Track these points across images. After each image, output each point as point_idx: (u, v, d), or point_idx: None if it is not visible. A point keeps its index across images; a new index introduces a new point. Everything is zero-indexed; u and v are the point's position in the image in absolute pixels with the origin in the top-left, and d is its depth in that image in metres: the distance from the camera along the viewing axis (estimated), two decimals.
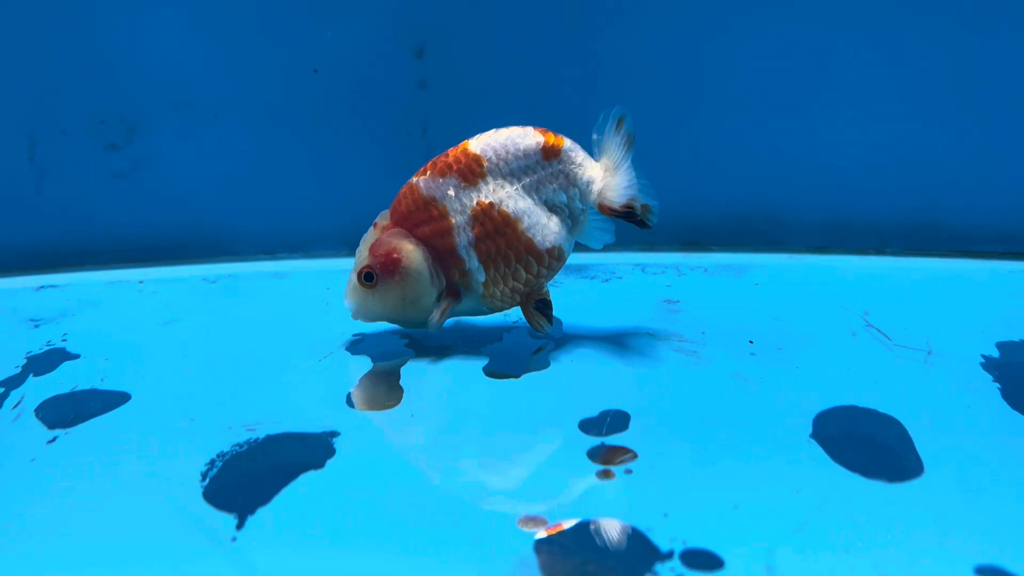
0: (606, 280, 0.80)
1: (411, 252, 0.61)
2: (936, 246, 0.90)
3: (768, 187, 0.91)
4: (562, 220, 0.63)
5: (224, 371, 0.61)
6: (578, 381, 0.56)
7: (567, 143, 0.63)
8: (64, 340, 0.66)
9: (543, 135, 0.63)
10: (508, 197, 0.62)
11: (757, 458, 0.45)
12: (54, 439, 0.50)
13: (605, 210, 0.64)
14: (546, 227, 0.63)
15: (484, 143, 0.62)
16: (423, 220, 0.61)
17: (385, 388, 0.56)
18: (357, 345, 0.63)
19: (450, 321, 0.65)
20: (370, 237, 0.63)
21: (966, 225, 0.90)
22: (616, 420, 0.50)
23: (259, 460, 0.47)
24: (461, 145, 0.62)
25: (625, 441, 0.47)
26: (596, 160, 0.65)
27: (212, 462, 0.46)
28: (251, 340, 0.66)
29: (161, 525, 0.41)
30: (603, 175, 0.64)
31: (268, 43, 0.85)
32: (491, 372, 0.58)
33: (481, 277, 0.62)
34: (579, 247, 0.67)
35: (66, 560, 0.39)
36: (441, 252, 0.62)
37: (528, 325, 0.65)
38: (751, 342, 0.61)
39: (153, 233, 0.89)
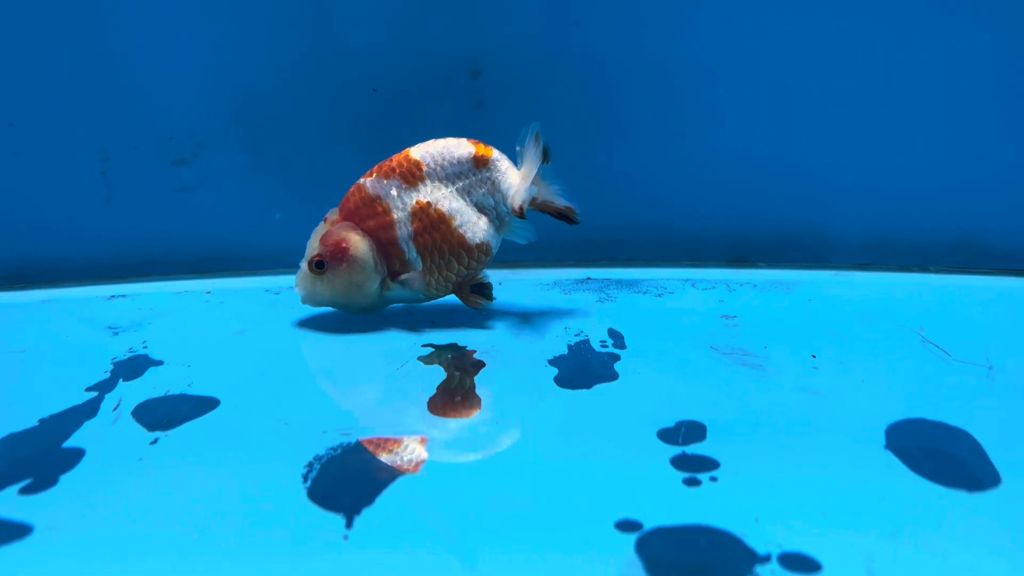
0: (659, 295, 0.82)
1: (358, 242, 0.70)
2: (980, 264, 0.91)
3: (813, 205, 0.93)
4: (490, 220, 0.73)
5: (305, 378, 0.63)
6: (649, 392, 0.58)
7: (495, 154, 0.73)
8: (145, 347, 0.69)
9: (475, 146, 0.73)
10: (443, 198, 0.71)
11: (836, 468, 0.47)
12: (155, 440, 0.52)
13: (514, 212, 0.73)
14: (476, 225, 0.72)
15: (424, 151, 0.72)
16: (369, 215, 0.71)
17: (463, 396, 0.58)
18: (430, 355, 0.66)
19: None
20: (320, 230, 0.72)
21: (1010, 243, 0.92)
22: (692, 430, 0.52)
23: (356, 463, 0.49)
24: (404, 152, 0.72)
25: (705, 451, 0.49)
26: (519, 169, 0.74)
27: (311, 464, 0.48)
28: (323, 349, 0.69)
29: (273, 522, 0.43)
30: (519, 182, 0.73)
31: (329, 62, 0.88)
32: (562, 382, 0.60)
33: (419, 266, 0.72)
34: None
35: (189, 555, 0.41)
36: (384, 243, 0.71)
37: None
38: (814, 356, 0.63)
39: (217, 245, 0.92)
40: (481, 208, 0.73)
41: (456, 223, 0.71)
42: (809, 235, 0.93)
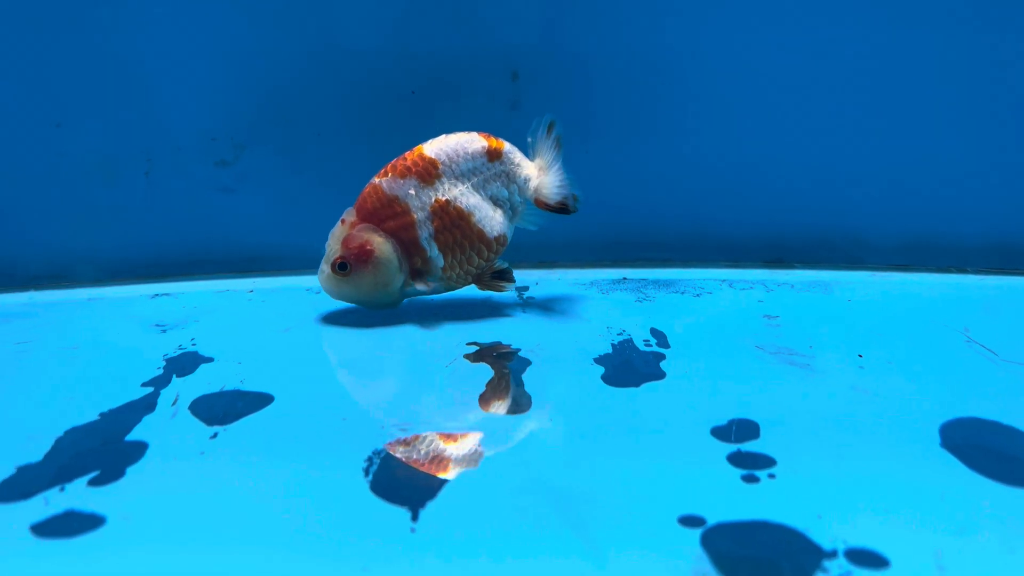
0: (697, 295, 0.82)
1: (381, 244, 0.71)
2: (1018, 265, 0.91)
3: (849, 207, 0.93)
4: (504, 212, 0.75)
5: (355, 374, 0.64)
6: (698, 391, 0.58)
7: (507, 146, 0.75)
8: (194, 344, 0.70)
9: (486, 140, 0.74)
10: (461, 194, 0.73)
11: (894, 465, 0.47)
12: (215, 435, 0.53)
13: (541, 205, 0.76)
14: (493, 219, 0.74)
15: (437, 148, 0.73)
16: (388, 216, 0.72)
17: (512, 393, 0.59)
18: (476, 352, 0.66)
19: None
20: (339, 232, 0.73)
21: None
22: (745, 428, 0.52)
23: (419, 455, 0.50)
24: (416, 150, 0.73)
25: (761, 448, 0.49)
26: (531, 160, 0.76)
27: (370, 459, 0.49)
28: (370, 346, 0.69)
29: (340, 515, 0.44)
30: (538, 173, 0.76)
31: (368, 64, 0.89)
32: (609, 380, 0.61)
33: (440, 263, 0.73)
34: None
35: (259, 547, 0.41)
36: (406, 243, 0.72)
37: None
38: (860, 356, 0.63)
39: (258, 245, 0.93)
40: (496, 201, 0.74)
41: (475, 218, 0.73)
42: (845, 236, 0.93)
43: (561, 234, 0.94)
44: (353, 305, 0.76)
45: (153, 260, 0.92)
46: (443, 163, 0.73)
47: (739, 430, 0.52)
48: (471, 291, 0.78)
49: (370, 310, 0.76)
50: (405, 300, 0.76)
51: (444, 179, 0.73)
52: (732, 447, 0.50)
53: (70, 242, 0.91)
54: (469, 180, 0.73)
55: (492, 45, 0.90)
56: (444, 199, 0.72)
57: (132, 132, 0.89)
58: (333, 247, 0.72)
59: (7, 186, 0.89)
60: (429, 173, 0.72)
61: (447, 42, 0.90)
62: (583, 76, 0.91)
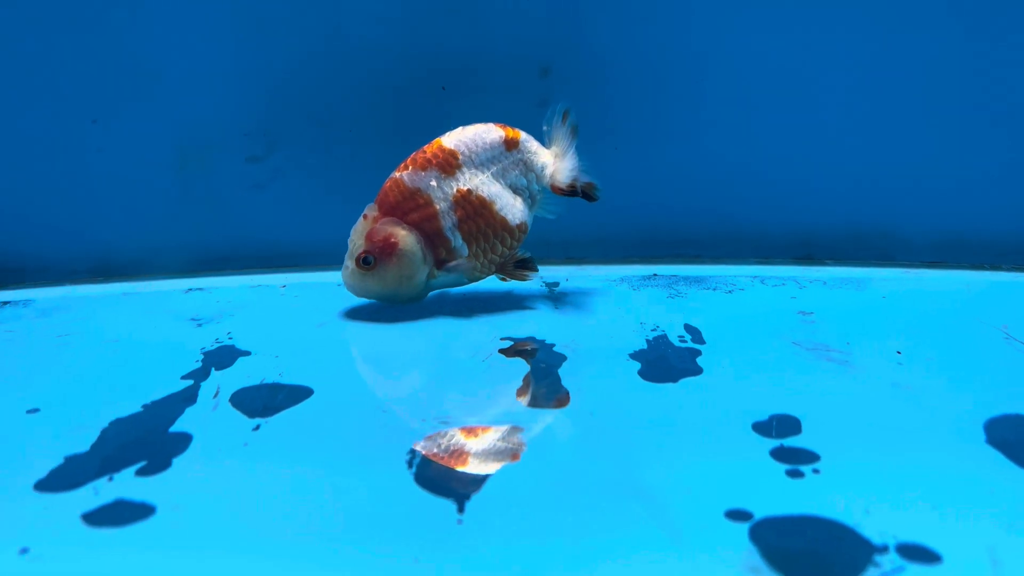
0: (729, 291, 0.82)
1: (405, 237, 0.72)
2: None
3: (881, 203, 0.92)
4: (524, 200, 0.76)
5: (392, 368, 0.65)
6: (736, 386, 0.58)
7: (523, 135, 0.76)
8: (230, 338, 0.70)
9: (503, 129, 0.75)
10: (482, 184, 0.73)
11: (940, 461, 0.47)
12: (258, 427, 0.53)
13: (555, 190, 0.77)
14: (514, 207, 0.74)
15: (456, 139, 0.74)
16: (411, 208, 0.72)
17: (549, 388, 0.59)
18: (510, 347, 0.66)
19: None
20: (361, 227, 0.73)
21: None
22: (786, 424, 0.52)
23: (462, 448, 0.50)
24: (435, 142, 0.74)
25: (803, 443, 0.49)
26: (548, 148, 0.77)
27: (413, 451, 0.49)
28: (404, 341, 0.70)
29: (386, 506, 0.44)
30: (553, 160, 0.76)
31: (399, 60, 0.90)
32: (646, 376, 0.61)
33: (465, 252, 0.74)
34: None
35: (307, 539, 0.42)
36: (429, 235, 0.73)
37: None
38: (899, 352, 0.63)
39: (289, 241, 0.93)
40: (515, 189, 0.75)
41: (497, 207, 0.74)
42: (877, 233, 0.92)
43: (590, 230, 0.94)
44: (376, 301, 0.76)
45: (186, 255, 0.93)
46: (463, 154, 0.73)
47: (780, 425, 0.52)
48: (494, 284, 0.79)
49: (395, 305, 0.76)
50: (429, 294, 0.77)
51: (464, 169, 0.73)
52: (774, 442, 0.49)
53: (105, 237, 0.92)
54: (488, 169, 0.74)
55: (522, 41, 0.90)
56: (466, 188, 0.73)
57: (166, 128, 0.90)
58: (356, 242, 0.73)
59: (44, 182, 0.90)
60: (449, 164, 0.73)
61: (477, 38, 0.90)
62: (613, 73, 0.90)
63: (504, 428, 0.52)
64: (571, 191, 0.76)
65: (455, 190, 0.73)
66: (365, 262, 0.72)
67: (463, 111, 0.91)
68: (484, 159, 0.74)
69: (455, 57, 0.90)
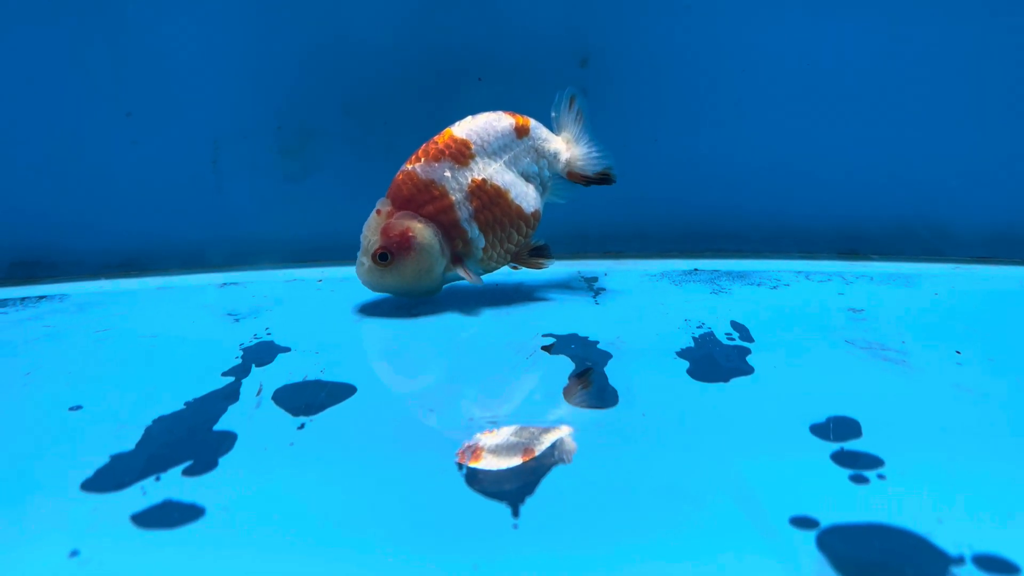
0: (774, 287, 0.80)
1: (422, 230, 0.70)
2: None
3: (928, 197, 0.90)
4: (536, 187, 0.75)
5: (434, 366, 0.63)
6: (790, 387, 0.57)
7: (533, 122, 0.75)
8: (269, 334, 0.70)
9: (513, 117, 0.74)
10: (496, 172, 0.72)
11: (1010, 468, 0.45)
12: (302, 426, 0.52)
13: (576, 178, 0.76)
14: (527, 194, 0.74)
15: (467, 128, 0.73)
16: (426, 200, 0.71)
17: (597, 389, 0.57)
18: (553, 344, 0.65)
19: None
20: (375, 222, 0.72)
21: None
22: (845, 426, 0.50)
23: (512, 449, 0.49)
24: (446, 132, 0.73)
25: (865, 448, 0.47)
26: (557, 135, 0.76)
27: (463, 452, 0.48)
28: (444, 337, 0.69)
29: (439, 509, 0.43)
30: (566, 147, 0.76)
31: (436, 51, 0.88)
32: (696, 375, 0.59)
33: (481, 243, 0.73)
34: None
35: (360, 541, 0.41)
36: (446, 226, 0.71)
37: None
38: (958, 352, 0.61)
39: (322, 235, 0.93)
40: (527, 176, 0.74)
41: (512, 195, 0.73)
42: (925, 227, 0.90)
43: (629, 224, 0.93)
44: (394, 296, 0.75)
45: (219, 249, 0.92)
46: (475, 143, 0.72)
47: (839, 428, 0.50)
48: (508, 275, 0.78)
49: (411, 299, 0.75)
50: (445, 286, 0.76)
51: (478, 159, 0.72)
52: (835, 446, 0.48)
53: (139, 231, 0.92)
54: (501, 158, 0.73)
55: (561, 31, 0.88)
56: (480, 178, 0.72)
57: (200, 121, 0.90)
58: (371, 238, 0.71)
59: (78, 175, 0.90)
60: (463, 154, 0.72)
61: (515, 29, 0.88)
62: (652, 63, 0.89)
63: (554, 428, 0.51)
64: (601, 179, 0.76)
65: (470, 180, 0.72)
66: (382, 258, 0.71)
67: (500, 101, 0.90)
68: (496, 147, 0.73)
69: (492, 48, 0.89)
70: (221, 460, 0.48)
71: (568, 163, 0.76)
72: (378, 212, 0.72)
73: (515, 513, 0.42)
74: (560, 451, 0.49)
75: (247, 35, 0.87)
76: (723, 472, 0.46)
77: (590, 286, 0.82)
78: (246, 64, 0.88)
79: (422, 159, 0.72)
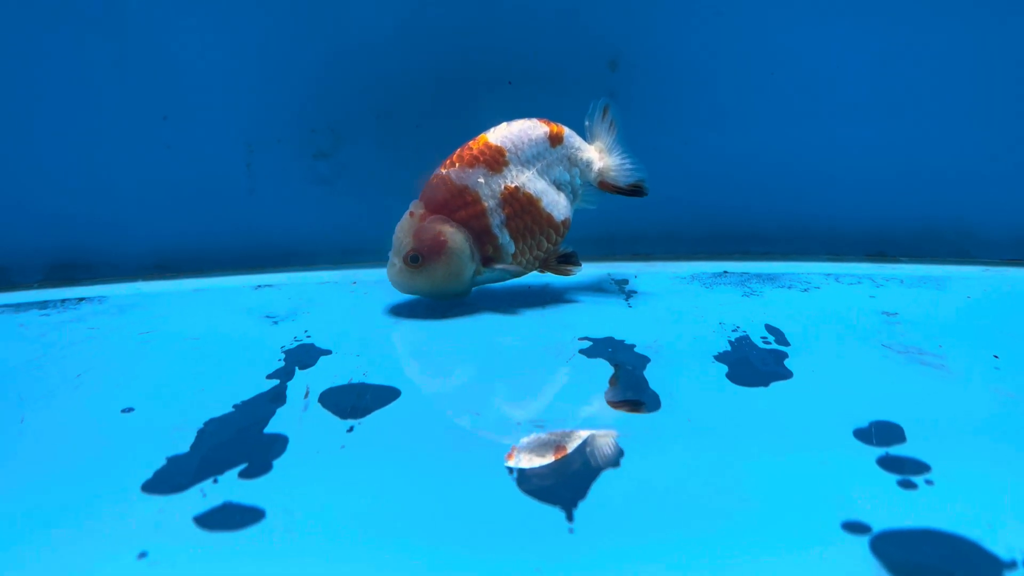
0: (804, 290, 0.80)
1: (454, 235, 0.72)
2: None
3: (956, 199, 0.90)
4: (567, 195, 0.76)
5: (475, 369, 0.64)
6: (830, 391, 0.57)
7: (567, 131, 0.76)
8: (308, 336, 0.71)
9: (547, 125, 0.75)
10: (528, 180, 0.73)
11: None
12: (351, 429, 0.53)
13: (609, 188, 0.78)
14: (558, 203, 0.75)
15: (502, 135, 0.74)
16: (459, 206, 0.73)
17: (640, 392, 0.58)
18: (590, 348, 0.66)
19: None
20: (408, 224, 0.73)
21: None
22: (888, 431, 0.51)
23: (560, 453, 0.49)
24: (481, 138, 0.74)
25: (911, 453, 0.48)
26: (590, 144, 0.77)
27: (512, 455, 0.49)
28: (482, 340, 0.69)
29: (493, 512, 0.44)
30: (599, 156, 0.77)
31: (466, 56, 0.89)
32: (735, 379, 0.60)
33: (511, 249, 0.74)
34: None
35: (420, 544, 0.42)
36: (477, 232, 0.73)
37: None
38: (996, 356, 0.61)
39: (356, 237, 0.94)
40: (559, 185, 0.75)
41: (543, 203, 0.74)
42: (953, 229, 0.90)
43: (657, 227, 0.93)
44: (423, 298, 0.77)
45: (253, 251, 0.93)
46: (509, 150, 0.73)
47: (883, 433, 0.51)
48: (535, 278, 0.80)
49: (440, 301, 0.76)
50: (473, 289, 0.77)
51: (511, 166, 0.73)
52: (880, 450, 0.48)
53: (174, 233, 0.93)
54: (534, 166, 0.74)
55: (590, 35, 0.89)
56: (513, 185, 0.73)
57: (234, 124, 0.91)
58: (403, 240, 0.73)
59: (114, 178, 0.91)
60: (496, 161, 0.73)
61: (544, 32, 0.89)
62: (681, 66, 0.89)
63: (601, 432, 0.52)
64: (633, 191, 0.77)
65: (503, 187, 0.73)
66: (413, 260, 0.72)
67: (530, 105, 0.90)
68: (530, 155, 0.74)
69: (522, 51, 0.89)
70: (275, 463, 0.49)
71: (601, 172, 0.77)
72: (411, 214, 0.74)
73: (569, 517, 0.43)
74: (592, 447, 0.50)
75: (281, 39, 0.88)
76: (773, 476, 0.46)
77: (621, 288, 0.82)
78: (279, 68, 0.89)
79: (456, 164, 0.73)
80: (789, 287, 0.81)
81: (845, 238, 0.91)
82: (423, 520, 0.43)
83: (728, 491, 0.45)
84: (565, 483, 0.46)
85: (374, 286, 0.85)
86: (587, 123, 0.78)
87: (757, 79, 0.89)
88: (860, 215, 0.91)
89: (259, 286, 0.87)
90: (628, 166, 0.77)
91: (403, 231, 0.73)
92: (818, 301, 0.77)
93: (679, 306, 0.77)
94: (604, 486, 0.46)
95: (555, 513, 0.43)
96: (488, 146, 0.73)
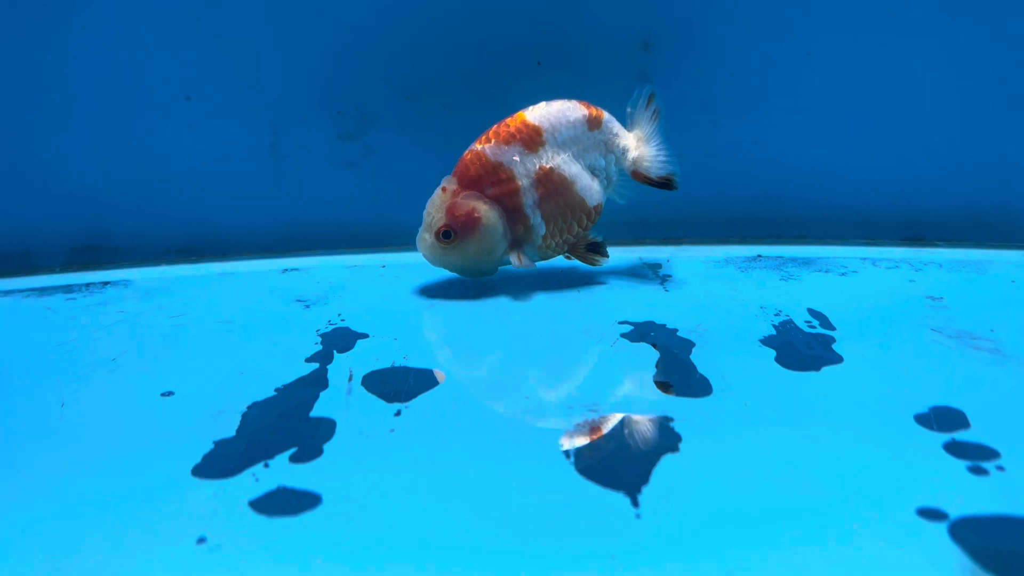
0: (842, 274, 0.79)
1: (487, 211, 0.70)
2: None
3: (995, 182, 0.88)
4: (600, 181, 0.74)
5: (516, 352, 0.63)
6: (884, 376, 0.56)
7: (606, 115, 0.74)
8: (343, 320, 0.69)
9: (587, 108, 0.73)
10: (564, 162, 0.72)
11: None
12: (399, 412, 0.52)
13: (640, 178, 0.76)
14: (592, 188, 0.73)
15: (540, 115, 0.72)
16: (493, 183, 0.71)
17: (684, 376, 0.57)
18: (632, 332, 0.64)
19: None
20: (440, 199, 0.72)
21: None
22: (949, 417, 0.50)
23: (612, 440, 0.48)
24: (518, 116, 0.73)
25: (977, 438, 0.47)
26: (629, 131, 0.76)
27: (569, 440, 0.48)
28: (518, 323, 0.68)
29: (554, 498, 0.42)
30: (636, 144, 0.75)
31: (495, 35, 0.87)
32: (785, 363, 0.58)
33: (542, 231, 0.72)
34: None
35: (496, 533, 0.41)
36: (509, 210, 0.71)
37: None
38: None
39: (382, 219, 0.92)
40: (593, 170, 0.74)
41: (577, 187, 0.72)
42: (991, 212, 0.89)
43: (689, 210, 0.92)
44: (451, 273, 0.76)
45: (278, 234, 0.92)
46: (546, 130, 0.72)
47: (944, 419, 0.49)
48: (564, 261, 0.79)
49: (468, 278, 0.75)
50: (502, 268, 0.76)
51: (547, 146, 0.72)
52: (944, 436, 0.47)
53: (198, 216, 0.91)
54: (570, 148, 0.73)
55: (623, 14, 0.87)
56: (548, 166, 0.71)
57: (258, 105, 0.89)
58: (435, 215, 0.71)
59: (136, 159, 0.89)
60: (533, 140, 0.71)
61: (576, 10, 0.87)
62: (715, 47, 0.87)
63: (657, 418, 0.51)
64: (663, 184, 0.75)
65: (537, 167, 0.71)
66: (445, 236, 0.71)
67: (559, 86, 0.89)
68: (567, 137, 0.73)
69: (552, 30, 0.88)
70: (325, 447, 0.48)
71: (635, 162, 0.76)
72: (443, 189, 0.72)
73: (635, 503, 0.42)
74: (630, 427, 0.49)
75: (306, 18, 0.86)
76: (841, 462, 0.45)
77: (655, 273, 0.81)
78: (305, 48, 0.87)
79: (492, 140, 0.72)
80: (826, 271, 0.80)
81: (880, 222, 0.90)
82: (486, 506, 0.42)
83: (796, 477, 0.44)
84: (625, 467, 0.45)
85: (403, 269, 0.84)
86: (629, 109, 0.76)
87: (792, 61, 0.87)
88: (895, 198, 0.89)
89: (286, 270, 0.86)
90: (662, 158, 0.76)
91: (435, 206, 0.72)
92: (857, 285, 0.76)
93: (717, 290, 0.75)
94: (666, 471, 0.45)
95: (619, 498, 0.42)
96: (525, 124, 0.72)
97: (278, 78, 0.88)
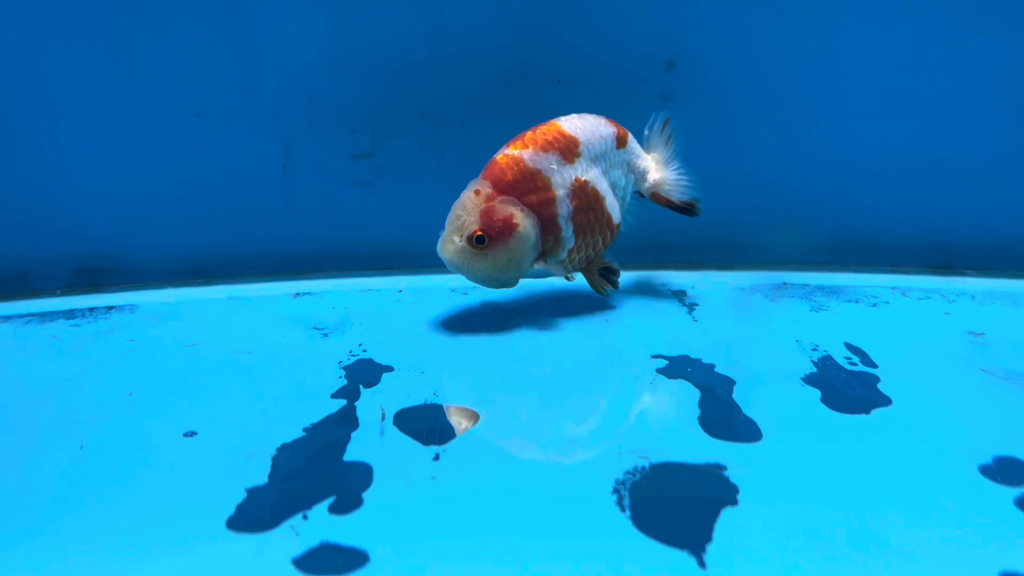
0: (873, 305, 0.77)
1: (524, 219, 0.67)
2: None
3: None
4: (619, 200, 0.73)
5: (552, 388, 0.60)
6: (938, 421, 0.54)
7: (631, 135, 0.74)
8: (364, 351, 0.67)
9: (614, 126, 0.73)
10: (596, 177, 0.70)
11: None
12: (437, 456, 0.50)
13: (660, 200, 0.76)
14: (615, 205, 0.72)
15: (576, 126, 0.71)
16: (530, 190, 0.68)
17: (730, 418, 0.55)
18: (668, 367, 0.62)
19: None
20: (472, 203, 0.68)
21: None
22: (1015, 469, 0.48)
23: (663, 489, 0.46)
24: (553, 125, 0.71)
25: None
26: (647, 153, 0.76)
27: (618, 490, 0.46)
28: (551, 355, 0.65)
29: (618, 552, 0.40)
30: (655, 167, 0.75)
31: (512, 52, 0.85)
32: (832, 405, 0.56)
33: (570, 244, 0.70)
34: None
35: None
36: (543, 220, 0.68)
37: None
38: None
39: (397, 242, 0.89)
40: (614, 187, 0.73)
41: (606, 203, 0.71)
42: (1021, 241, 0.87)
43: (709, 234, 0.90)
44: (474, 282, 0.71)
45: (290, 255, 0.89)
46: (583, 142, 0.70)
47: (1009, 470, 0.48)
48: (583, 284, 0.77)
49: (489, 287, 0.72)
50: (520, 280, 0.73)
51: (583, 159, 0.70)
52: (1016, 490, 0.45)
53: (205, 237, 0.88)
54: (601, 164, 0.72)
55: (646, 34, 0.85)
56: (583, 179, 0.70)
57: (270, 123, 0.86)
58: (466, 219, 0.67)
59: (143, 178, 0.86)
60: (570, 151, 0.70)
61: (598, 29, 0.85)
62: (740, 69, 0.86)
63: (713, 467, 0.48)
64: (685, 209, 0.75)
65: (573, 179, 0.69)
66: (479, 241, 0.66)
67: (579, 106, 0.86)
68: (599, 152, 0.71)
69: (573, 49, 0.86)
70: (364, 496, 0.45)
71: (655, 184, 0.75)
72: (476, 192, 0.68)
73: (701, 563, 0.39)
74: (683, 477, 0.47)
75: (320, 34, 0.84)
76: (906, 520, 0.43)
77: (681, 300, 0.79)
78: (318, 64, 0.84)
79: (530, 147, 0.69)
80: (856, 301, 0.78)
81: (908, 249, 0.88)
82: (545, 563, 0.39)
83: (866, 537, 0.42)
84: (685, 521, 0.43)
85: (420, 294, 0.81)
86: (646, 132, 0.75)
87: (819, 84, 0.85)
88: (923, 225, 0.88)
89: (298, 293, 0.83)
90: (684, 183, 0.75)
91: (466, 210, 0.67)
92: (891, 317, 0.74)
93: (747, 321, 0.73)
94: (728, 526, 0.42)
95: (683, 557, 0.40)
96: (563, 134, 0.70)
97: (291, 95, 0.85)
